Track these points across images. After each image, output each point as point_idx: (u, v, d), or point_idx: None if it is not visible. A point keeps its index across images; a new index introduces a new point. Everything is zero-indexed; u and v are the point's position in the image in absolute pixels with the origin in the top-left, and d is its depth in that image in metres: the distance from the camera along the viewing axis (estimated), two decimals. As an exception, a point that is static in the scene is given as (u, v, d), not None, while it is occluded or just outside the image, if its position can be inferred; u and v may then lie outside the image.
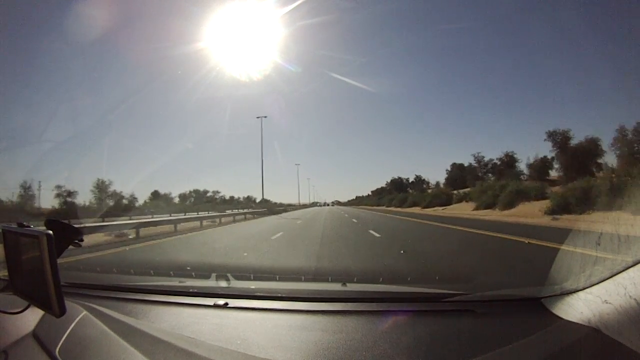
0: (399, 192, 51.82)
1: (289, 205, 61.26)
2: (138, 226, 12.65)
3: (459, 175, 41.45)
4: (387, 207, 43.99)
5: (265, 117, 37.65)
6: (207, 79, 34.25)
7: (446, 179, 44.09)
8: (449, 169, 43.93)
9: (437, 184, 46.44)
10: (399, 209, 36.51)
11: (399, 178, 58.95)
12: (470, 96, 60.44)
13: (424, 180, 54.56)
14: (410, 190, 50.65)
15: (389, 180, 61.99)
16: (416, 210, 32.21)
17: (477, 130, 61.60)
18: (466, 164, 42.38)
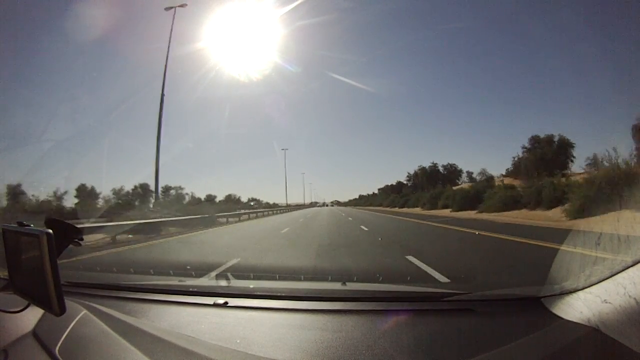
0: (433, 186, 35.81)
1: (265, 206, 43.60)
2: None
3: (552, 155, 24.06)
4: (428, 209, 26.82)
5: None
6: (206, 79, 34.08)
7: (513, 165, 27.50)
8: (528, 144, 26.40)
9: (515, 168, 27.32)
10: (495, 216, 16.25)
11: (434, 165, 40.28)
12: (471, 94, 60.41)
13: (459, 170, 38.68)
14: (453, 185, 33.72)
15: (411, 171, 43.67)
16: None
17: (478, 127, 61.22)
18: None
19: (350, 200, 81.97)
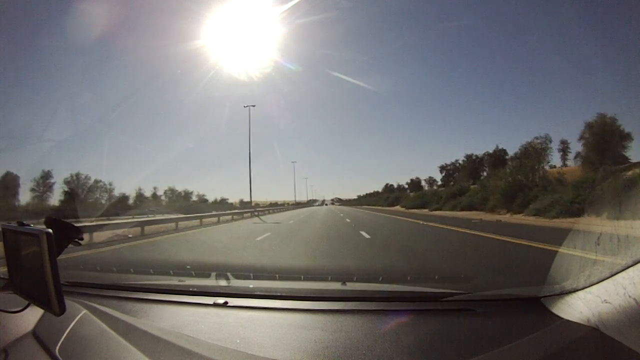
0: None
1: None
2: None
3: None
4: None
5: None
6: (206, 78, 33.97)
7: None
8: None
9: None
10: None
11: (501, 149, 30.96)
12: (473, 92, 60.41)
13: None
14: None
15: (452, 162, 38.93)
16: None
17: (480, 126, 61.14)
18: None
19: (360, 197, 70.98)
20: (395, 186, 56.41)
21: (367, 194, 71.16)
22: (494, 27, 49.17)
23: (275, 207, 43.98)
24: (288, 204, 57.87)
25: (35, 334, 1.19)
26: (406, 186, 53.48)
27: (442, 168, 46.38)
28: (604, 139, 22.99)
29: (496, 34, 49.83)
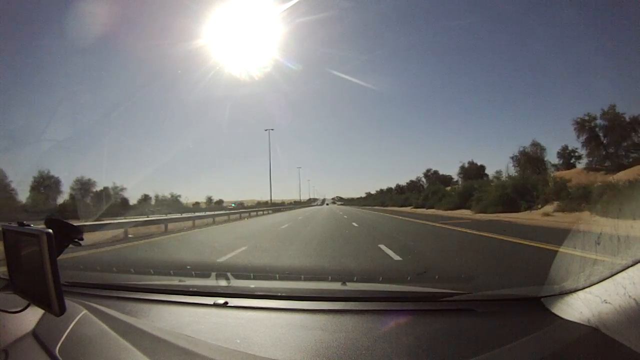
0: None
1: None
2: None
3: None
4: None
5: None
6: (207, 78, 33.96)
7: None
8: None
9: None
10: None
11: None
12: (473, 91, 60.51)
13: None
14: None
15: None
16: None
17: (480, 125, 60.99)
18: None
19: (372, 195, 61.94)
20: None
21: (385, 189, 59.18)
22: (495, 26, 49.24)
23: (250, 209, 36.52)
24: (285, 203, 54.79)
25: (35, 334, 1.19)
26: (455, 177, 40.38)
27: (580, 124, 25.47)
28: None
29: (497, 32, 49.89)
